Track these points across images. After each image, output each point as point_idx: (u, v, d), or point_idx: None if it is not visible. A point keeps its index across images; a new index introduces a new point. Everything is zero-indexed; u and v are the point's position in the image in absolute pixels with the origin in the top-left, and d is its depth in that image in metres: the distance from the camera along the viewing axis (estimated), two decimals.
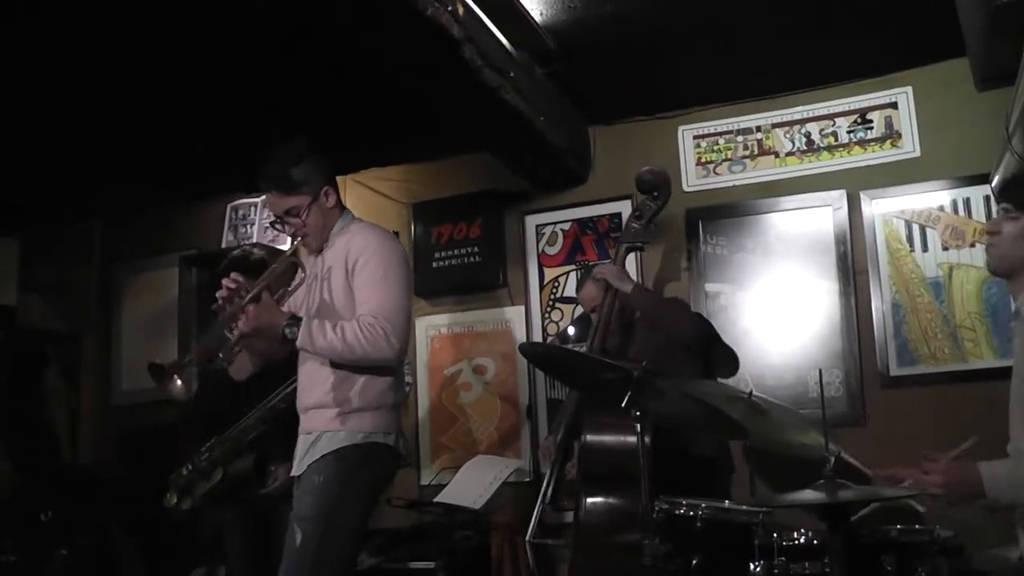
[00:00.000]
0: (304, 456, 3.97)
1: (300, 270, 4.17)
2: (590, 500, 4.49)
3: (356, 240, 4.06)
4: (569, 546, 4.69)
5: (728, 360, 5.19)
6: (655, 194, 5.12)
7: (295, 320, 3.87)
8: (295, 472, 4.03)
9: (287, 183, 4.06)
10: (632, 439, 4.08)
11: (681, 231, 5.89)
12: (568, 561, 4.71)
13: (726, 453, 5.12)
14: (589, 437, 4.56)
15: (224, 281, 3.91)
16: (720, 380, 5.06)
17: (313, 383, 4.03)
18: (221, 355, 4.08)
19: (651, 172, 5.16)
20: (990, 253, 3.62)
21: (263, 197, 6.69)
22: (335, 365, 3.94)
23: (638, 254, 5.43)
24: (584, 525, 4.48)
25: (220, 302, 3.88)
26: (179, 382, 3.80)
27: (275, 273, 4.08)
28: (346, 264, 3.99)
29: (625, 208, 6.01)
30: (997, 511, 3.56)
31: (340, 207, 4.22)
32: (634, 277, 5.41)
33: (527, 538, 4.87)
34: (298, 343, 3.84)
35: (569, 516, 5.03)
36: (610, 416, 4.46)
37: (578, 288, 5.46)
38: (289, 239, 4.19)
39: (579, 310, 6.03)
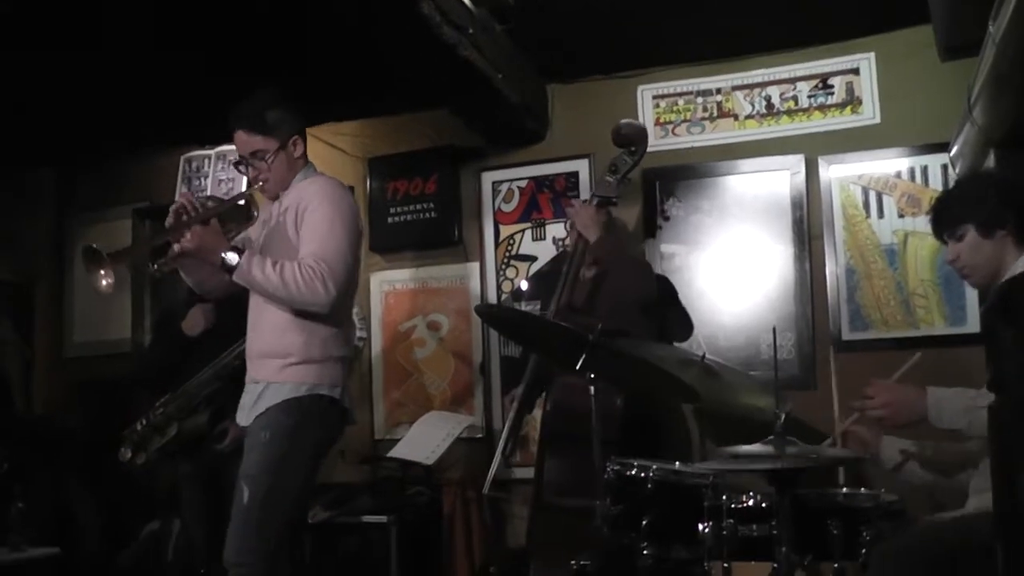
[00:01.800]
0: (251, 408, 3.99)
1: (254, 210, 4.17)
2: (553, 461, 4.51)
3: (311, 187, 4.10)
4: (524, 502, 4.71)
5: (683, 324, 5.20)
6: (632, 148, 5.05)
7: (236, 250, 3.87)
8: (242, 422, 4.06)
9: (259, 123, 4.09)
10: (602, 400, 4.16)
11: (638, 191, 5.87)
12: (527, 519, 4.73)
13: (678, 418, 5.16)
14: (557, 397, 4.58)
15: (179, 196, 3.98)
16: (675, 343, 5.07)
17: (260, 328, 4.07)
18: (156, 264, 4.03)
19: (630, 125, 5.12)
20: (968, 279, 3.66)
21: (217, 149, 6.67)
22: (283, 312, 3.95)
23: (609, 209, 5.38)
24: (547, 485, 4.50)
25: (172, 213, 3.91)
26: (106, 278, 3.77)
27: (228, 204, 4.13)
28: (298, 209, 4.02)
29: (583, 167, 6.02)
30: (948, 472, 3.62)
31: (304, 158, 4.25)
32: None
33: (484, 491, 4.87)
34: (235, 273, 3.84)
35: (520, 472, 5.07)
36: (579, 377, 4.48)
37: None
38: (245, 184, 4.20)
39: (534, 267, 6.06)
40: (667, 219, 5.78)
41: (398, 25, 4.56)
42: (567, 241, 5.40)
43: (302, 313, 3.94)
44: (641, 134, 5.09)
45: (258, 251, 4.06)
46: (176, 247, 3.89)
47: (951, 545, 3.09)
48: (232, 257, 3.83)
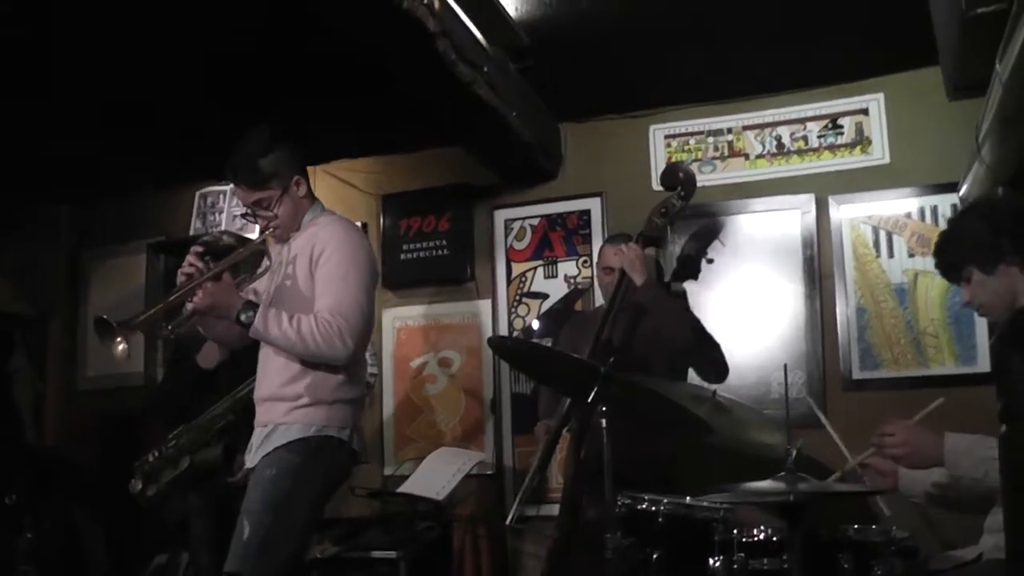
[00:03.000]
0: (258, 449, 3.96)
1: (266, 259, 4.15)
2: (588, 500, 4.49)
3: (323, 232, 4.04)
4: (536, 540, 4.69)
5: (718, 369, 5.22)
6: (682, 192, 4.97)
7: (251, 305, 3.83)
8: (249, 464, 4.02)
9: (256, 177, 4.03)
10: (640, 448, 4.19)
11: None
12: (544, 559, 4.70)
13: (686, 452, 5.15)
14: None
15: (189, 255, 3.89)
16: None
17: (269, 373, 4.02)
18: (170, 326, 4.00)
19: (681, 169, 5.05)
20: (987, 316, 3.65)
21: (232, 185, 6.71)
22: (291, 356, 3.92)
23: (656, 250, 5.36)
24: (586, 522, 4.48)
25: (182, 276, 3.86)
26: (122, 344, 3.74)
27: (240, 257, 4.06)
28: (311, 254, 3.97)
29: (594, 205, 6.08)
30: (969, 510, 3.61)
31: (310, 196, 4.20)
32: None
33: (507, 522, 4.83)
34: (251, 329, 3.81)
35: (532, 509, 5.05)
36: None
37: (603, 246, 5.30)
38: (259, 229, 4.19)
39: (546, 305, 6.09)
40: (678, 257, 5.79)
41: (414, 63, 4.60)
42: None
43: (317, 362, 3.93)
44: (692, 179, 5.02)
45: (271, 300, 4.02)
46: (189, 307, 3.87)
47: None
48: (246, 315, 3.80)
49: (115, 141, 6.01)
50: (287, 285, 4.04)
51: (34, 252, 7.26)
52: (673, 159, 5.94)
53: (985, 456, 3.18)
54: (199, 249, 3.98)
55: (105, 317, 3.72)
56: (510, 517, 4.75)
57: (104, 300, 7.13)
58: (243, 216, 4.38)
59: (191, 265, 3.86)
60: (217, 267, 3.88)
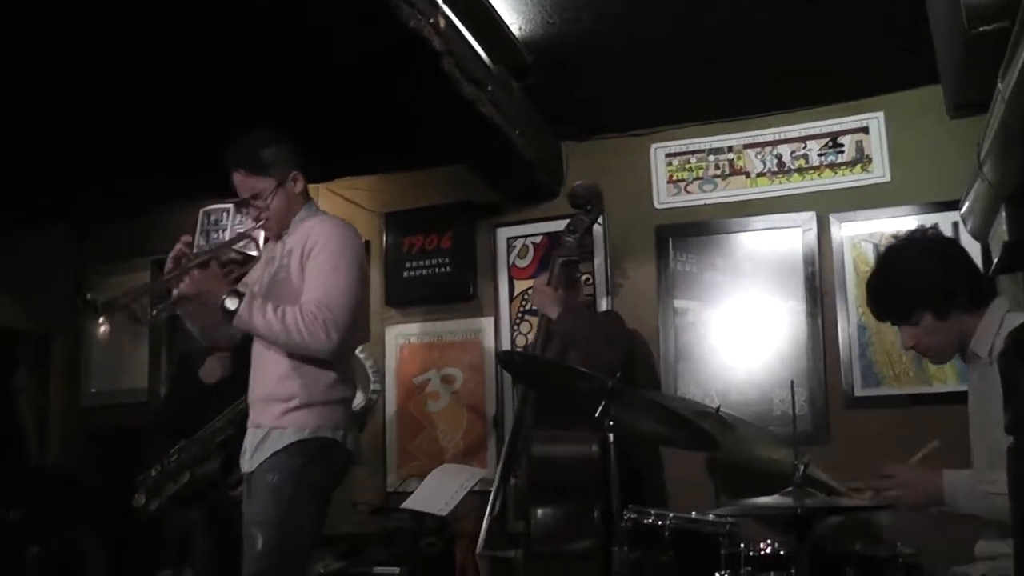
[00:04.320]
0: (254, 453, 3.97)
1: (256, 249, 4.14)
2: (540, 511, 4.52)
3: (316, 228, 4.07)
4: (521, 556, 4.71)
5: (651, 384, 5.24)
6: (588, 207, 5.11)
7: (237, 293, 3.84)
8: (246, 468, 4.03)
9: (255, 163, 4.08)
10: (582, 449, 4.33)
11: (651, 248, 5.95)
12: (520, 570, 4.74)
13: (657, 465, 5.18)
14: (537, 449, 4.60)
15: (179, 244, 3.91)
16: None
17: (262, 374, 4.05)
18: (155, 310, 4.03)
19: (583, 187, 5.17)
20: (930, 359, 3.81)
21: (235, 202, 6.73)
22: (285, 356, 3.94)
23: (584, 265, 5.38)
24: (535, 535, 4.50)
25: (170, 260, 3.88)
26: (105, 325, 3.75)
27: (228, 247, 4.09)
28: (303, 249, 3.99)
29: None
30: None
31: (306, 195, 4.23)
32: (601, 284, 5.66)
33: (477, 551, 4.87)
34: (235, 318, 3.81)
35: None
36: (559, 428, 4.53)
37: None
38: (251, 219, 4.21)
39: None
40: (680, 275, 5.81)
41: (418, 81, 4.65)
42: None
43: (304, 357, 3.93)
44: (594, 192, 5.13)
45: (262, 294, 4.02)
46: (175, 292, 3.88)
47: None
48: (232, 302, 3.80)
49: (120, 158, 6.02)
50: (280, 280, 4.06)
51: (38, 269, 7.28)
52: (674, 177, 5.98)
53: (985, 491, 3.19)
54: (188, 239, 3.99)
55: (89, 296, 3.75)
56: (478, 546, 4.79)
57: (107, 317, 7.14)
58: (235, 206, 4.38)
59: (181, 248, 3.89)
60: (206, 254, 3.93)
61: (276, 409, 3.94)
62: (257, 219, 4.16)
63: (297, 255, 4.01)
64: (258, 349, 4.10)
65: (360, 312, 4.14)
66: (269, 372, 4.00)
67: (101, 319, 3.73)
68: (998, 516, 3.12)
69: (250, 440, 4.04)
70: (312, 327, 3.81)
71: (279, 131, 4.21)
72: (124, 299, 3.82)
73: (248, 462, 4.02)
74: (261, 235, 4.14)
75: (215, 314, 3.94)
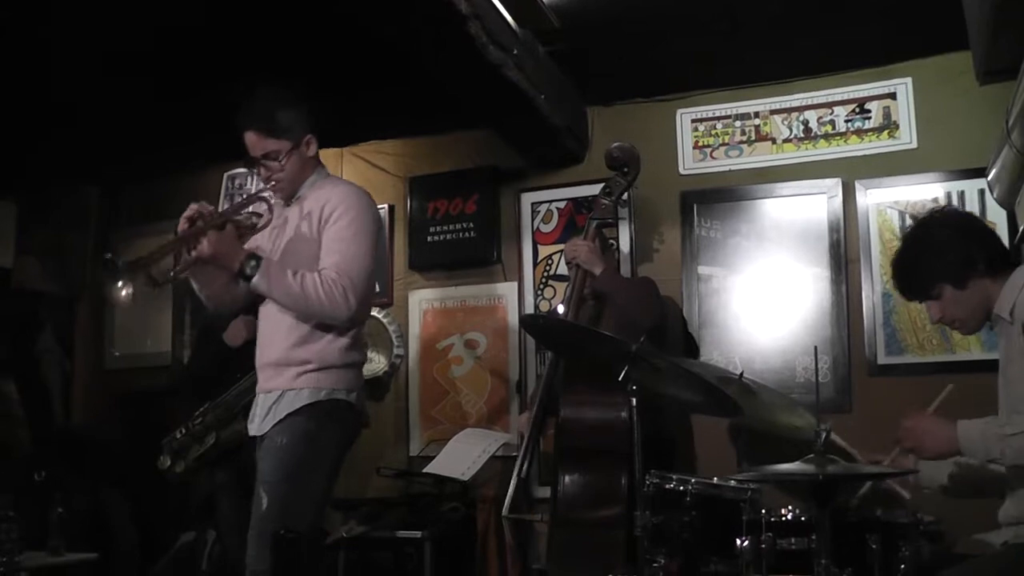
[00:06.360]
0: (266, 416, 3.97)
1: (267, 211, 4.08)
2: (568, 476, 4.53)
3: (335, 194, 4.06)
4: (546, 521, 4.73)
5: (689, 349, 5.26)
6: (624, 170, 5.14)
7: (255, 257, 3.82)
8: (256, 432, 4.04)
9: (271, 125, 4.04)
10: (609, 415, 4.33)
11: (676, 214, 5.92)
12: (547, 535, 4.75)
13: (686, 434, 5.18)
14: (566, 413, 4.61)
15: (192, 205, 3.88)
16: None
17: (273, 339, 4.04)
18: (171, 272, 3.99)
19: (620, 148, 5.19)
20: (959, 330, 3.79)
21: (244, 163, 6.74)
22: (299, 321, 3.93)
23: (609, 230, 5.37)
24: (562, 500, 4.52)
25: (184, 221, 3.85)
26: (127, 288, 3.71)
27: (242, 209, 4.05)
28: (321, 215, 3.98)
29: None
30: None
31: (317, 159, 4.20)
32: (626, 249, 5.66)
33: (503, 513, 4.89)
34: (254, 280, 3.80)
35: (545, 491, 5.08)
36: (588, 392, 4.54)
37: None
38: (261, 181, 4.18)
39: None
40: (704, 241, 5.80)
41: (444, 45, 4.62)
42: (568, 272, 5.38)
43: (319, 323, 3.94)
44: (631, 154, 5.16)
45: (276, 258, 4.02)
46: (192, 253, 3.84)
47: None
48: (251, 265, 3.80)
49: (147, 121, 6.04)
50: (295, 244, 4.06)
51: (63, 232, 7.31)
52: (700, 143, 5.94)
53: (999, 434, 3.18)
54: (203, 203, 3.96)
55: (110, 256, 3.75)
56: (505, 508, 4.81)
57: (129, 279, 7.17)
58: (246, 165, 4.37)
59: (196, 209, 3.85)
60: (221, 215, 3.89)
61: (290, 372, 3.95)
62: (267, 180, 4.11)
63: (316, 220, 4.00)
64: (268, 313, 4.09)
65: (374, 278, 4.15)
66: (282, 337, 3.99)
67: (121, 282, 3.67)
68: (1017, 458, 3.12)
69: (260, 406, 4.05)
70: (331, 293, 3.82)
71: (296, 92, 4.17)
72: (146, 260, 3.80)
73: (258, 427, 4.02)
74: (271, 197, 4.08)
75: (223, 278, 3.96)
